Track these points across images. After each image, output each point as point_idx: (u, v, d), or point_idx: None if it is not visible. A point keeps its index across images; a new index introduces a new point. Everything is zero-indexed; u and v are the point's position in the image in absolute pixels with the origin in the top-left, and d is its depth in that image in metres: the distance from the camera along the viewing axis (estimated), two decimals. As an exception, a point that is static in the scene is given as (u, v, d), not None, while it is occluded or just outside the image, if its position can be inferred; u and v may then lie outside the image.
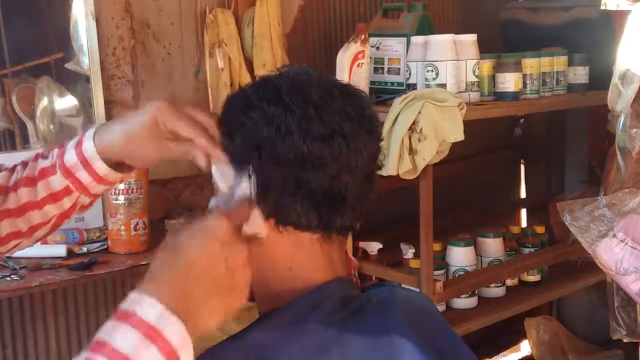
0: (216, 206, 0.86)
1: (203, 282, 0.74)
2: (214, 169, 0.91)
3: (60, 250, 2.02)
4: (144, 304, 0.71)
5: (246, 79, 2.38)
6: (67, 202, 1.06)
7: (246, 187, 0.85)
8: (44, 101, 2.29)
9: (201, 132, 0.91)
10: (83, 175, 1.02)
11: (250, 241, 0.81)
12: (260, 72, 2.39)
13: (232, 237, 0.77)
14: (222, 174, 0.89)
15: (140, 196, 2.05)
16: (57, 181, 1.04)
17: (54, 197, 1.05)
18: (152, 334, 0.69)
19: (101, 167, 1.01)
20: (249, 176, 0.85)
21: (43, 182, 1.04)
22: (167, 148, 0.95)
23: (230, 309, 0.78)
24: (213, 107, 2.36)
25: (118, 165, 1.03)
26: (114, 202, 2.03)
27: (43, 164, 1.06)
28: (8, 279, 1.86)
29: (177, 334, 0.71)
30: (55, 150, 1.06)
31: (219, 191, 0.90)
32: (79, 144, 1.02)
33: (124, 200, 2.03)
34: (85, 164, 1.01)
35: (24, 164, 1.08)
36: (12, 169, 1.08)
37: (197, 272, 0.74)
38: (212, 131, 0.92)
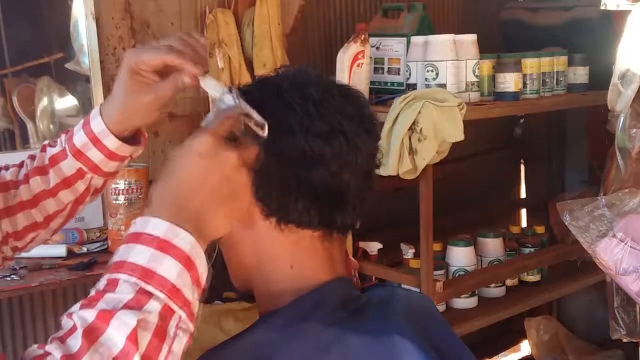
0: (206, 124, 0.87)
1: (200, 195, 0.78)
2: (202, 84, 0.92)
3: (60, 250, 2.03)
4: (149, 224, 0.75)
5: (246, 79, 2.38)
6: (80, 186, 1.07)
7: (229, 98, 0.86)
8: (44, 101, 2.29)
9: (174, 54, 0.93)
10: (94, 154, 1.03)
11: (242, 147, 0.82)
12: (260, 72, 2.39)
13: (216, 148, 0.79)
14: (213, 86, 0.91)
15: (140, 196, 2.05)
16: (69, 165, 1.05)
17: (66, 183, 1.06)
18: (163, 246, 0.73)
19: (111, 142, 1.02)
20: (230, 90, 0.87)
21: (55, 169, 1.05)
22: (157, 90, 0.97)
23: (236, 212, 0.82)
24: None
25: (127, 138, 1.04)
26: (114, 202, 2.04)
27: (52, 151, 1.07)
28: (8, 279, 1.86)
29: (186, 242, 0.74)
30: (63, 136, 1.07)
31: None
32: (86, 124, 1.03)
33: (124, 200, 2.03)
34: (95, 141, 1.02)
35: (32, 157, 1.09)
36: (21, 164, 1.09)
37: (192, 188, 0.78)
38: (182, 44, 0.94)
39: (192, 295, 0.74)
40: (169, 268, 0.72)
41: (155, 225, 0.74)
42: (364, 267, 2.39)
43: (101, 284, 0.73)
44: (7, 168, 1.09)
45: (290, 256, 0.90)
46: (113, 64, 2.28)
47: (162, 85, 0.96)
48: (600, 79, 2.19)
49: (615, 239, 1.72)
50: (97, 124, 1.02)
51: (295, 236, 0.89)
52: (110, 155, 1.04)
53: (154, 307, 0.71)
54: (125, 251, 0.74)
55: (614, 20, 2.30)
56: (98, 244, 2.12)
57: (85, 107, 2.30)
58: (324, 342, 0.83)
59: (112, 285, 0.72)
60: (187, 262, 0.74)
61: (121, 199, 2.03)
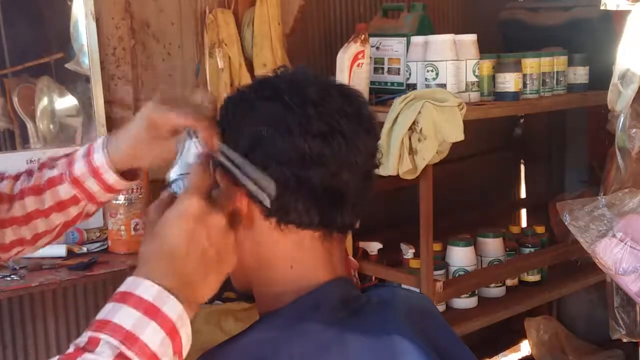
0: (179, 179, 0.89)
1: (190, 260, 0.78)
2: (221, 156, 0.89)
3: (60, 250, 2.03)
4: (141, 286, 0.75)
5: (246, 79, 2.38)
6: (73, 211, 1.08)
7: (192, 145, 0.87)
8: (44, 101, 2.29)
9: (199, 118, 0.92)
10: (92, 185, 1.04)
11: (223, 203, 0.83)
12: (260, 72, 2.39)
13: (205, 210, 0.80)
14: (235, 158, 0.88)
15: (140, 196, 2.05)
16: (65, 190, 1.06)
17: (61, 206, 1.07)
18: (151, 311, 0.73)
19: (111, 177, 1.03)
20: (190, 136, 0.88)
21: (51, 191, 1.06)
22: (172, 147, 0.96)
23: (222, 276, 0.83)
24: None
25: (126, 174, 1.05)
26: (114, 202, 2.04)
27: (50, 173, 1.07)
28: (8, 279, 1.86)
29: (174, 310, 0.74)
30: (64, 160, 1.07)
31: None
32: (88, 154, 1.04)
33: (124, 200, 2.03)
34: (95, 174, 1.03)
35: (29, 173, 1.09)
36: (16, 177, 1.09)
37: (182, 253, 0.78)
38: (206, 112, 0.94)
39: None
40: (152, 335, 0.72)
41: (146, 288, 0.74)
42: (364, 267, 2.39)
43: (82, 340, 0.72)
44: (1, 178, 1.09)
45: (290, 256, 0.90)
46: (113, 64, 2.28)
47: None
48: (600, 79, 2.20)
49: (615, 239, 1.72)
50: (99, 157, 1.03)
51: (295, 236, 0.89)
52: (108, 188, 1.05)
53: None
54: (112, 310, 0.73)
55: (614, 20, 2.30)
56: (98, 244, 2.12)
57: (85, 107, 2.30)
58: (324, 342, 0.83)
59: (93, 344, 0.71)
60: (172, 331, 0.74)
61: (121, 199, 2.03)
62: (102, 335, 0.71)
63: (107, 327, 0.72)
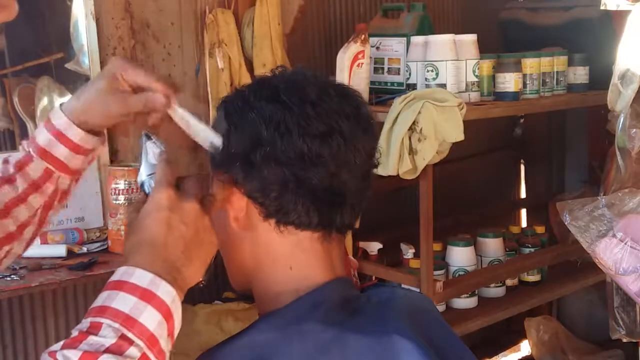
0: (147, 179, 0.93)
1: (171, 246, 0.82)
2: (171, 112, 0.96)
3: (60, 250, 2.02)
4: (134, 274, 0.78)
5: (246, 79, 2.38)
6: (49, 187, 1.07)
7: (151, 145, 0.93)
8: (44, 101, 2.29)
9: (160, 80, 0.97)
10: (60, 150, 1.04)
11: (190, 190, 0.87)
12: (260, 72, 2.39)
13: (175, 198, 0.84)
14: (181, 115, 0.95)
15: (140, 196, 2.05)
16: (35, 167, 1.05)
17: (35, 186, 1.06)
18: (147, 296, 0.77)
19: (75, 134, 1.03)
20: (148, 138, 0.94)
21: (21, 174, 1.05)
22: (127, 99, 0.99)
23: (206, 257, 0.86)
24: (213, 107, 2.36)
25: (91, 132, 1.05)
26: (114, 202, 2.04)
27: (16, 157, 1.07)
28: (8, 279, 1.86)
29: (168, 294, 0.78)
30: (25, 142, 1.07)
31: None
32: (47, 122, 1.05)
33: (124, 200, 2.03)
34: (59, 135, 1.03)
35: None
36: None
37: (161, 240, 0.82)
38: (170, 82, 0.98)
39: (166, 346, 0.78)
40: (149, 317, 0.76)
41: (139, 276, 0.78)
42: (364, 267, 2.39)
43: (83, 325, 0.75)
44: None
45: (290, 257, 0.90)
46: (113, 64, 2.28)
47: (134, 98, 0.99)
48: (600, 79, 2.20)
49: (615, 239, 1.72)
50: (58, 118, 1.04)
51: (295, 237, 0.89)
52: (75, 148, 1.04)
53: (134, 353, 0.74)
54: (108, 297, 0.77)
55: (614, 20, 2.30)
56: (98, 244, 2.12)
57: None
58: (324, 342, 0.83)
59: (95, 328, 0.74)
60: (167, 314, 0.78)
61: (121, 199, 2.03)
62: (103, 320, 0.74)
63: (107, 312, 0.75)
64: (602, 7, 1.91)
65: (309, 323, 0.85)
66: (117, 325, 0.74)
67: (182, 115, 0.95)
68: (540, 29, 2.83)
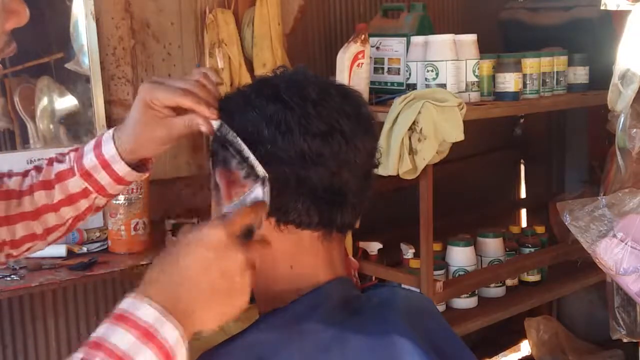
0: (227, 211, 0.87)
1: (197, 288, 0.76)
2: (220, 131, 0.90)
3: (60, 250, 2.02)
4: (140, 307, 0.73)
5: (246, 79, 2.38)
6: (83, 204, 1.07)
7: (259, 191, 0.85)
8: (44, 101, 2.29)
9: (189, 97, 0.93)
10: (102, 177, 1.04)
11: (254, 246, 0.81)
12: (260, 72, 2.39)
13: (227, 245, 0.78)
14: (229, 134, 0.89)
15: (140, 196, 2.05)
16: (75, 183, 1.06)
17: (70, 199, 1.07)
18: (148, 335, 0.72)
19: (121, 168, 1.03)
20: (263, 183, 0.85)
21: (60, 185, 1.06)
22: (171, 125, 0.97)
23: (231, 312, 0.79)
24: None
25: (136, 165, 1.05)
26: (114, 202, 2.03)
27: (59, 167, 1.07)
28: (8, 279, 1.86)
29: (172, 335, 0.73)
30: (72, 154, 1.07)
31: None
32: (97, 147, 1.04)
33: (124, 200, 2.03)
34: (106, 165, 1.03)
35: (38, 169, 1.09)
36: (25, 174, 1.09)
37: (191, 279, 0.76)
38: (198, 87, 0.94)
39: None
40: None
41: (145, 311, 0.73)
42: (364, 267, 2.39)
43: (75, 358, 0.71)
44: (9, 175, 1.09)
45: (290, 256, 0.90)
46: (113, 64, 2.28)
47: (175, 122, 0.96)
48: (600, 79, 2.20)
49: (615, 239, 1.72)
50: (109, 149, 1.03)
51: (295, 236, 0.89)
52: (119, 180, 1.05)
53: None
54: (107, 330, 0.72)
55: (614, 20, 2.30)
56: (98, 244, 2.12)
57: (85, 107, 2.30)
58: (324, 342, 0.83)
59: None
60: (168, 357, 0.72)
61: (121, 199, 2.03)
62: (97, 355, 0.70)
63: (102, 348, 0.71)
64: (602, 7, 1.91)
65: (309, 323, 0.85)
66: None
67: (225, 134, 0.89)
68: (540, 29, 2.83)
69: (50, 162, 1.09)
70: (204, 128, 0.92)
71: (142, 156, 1.05)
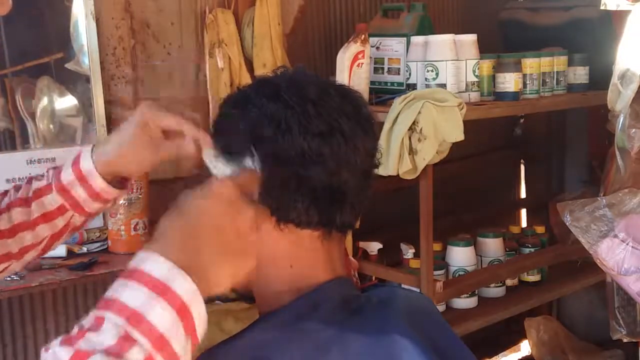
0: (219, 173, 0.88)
1: (210, 241, 0.75)
2: (205, 156, 0.92)
3: (60, 250, 2.02)
4: (151, 261, 0.71)
5: (246, 79, 2.38)
6: (60, 222, 1.06)
7: (249, 161, 0.86)
8: (44, 101, 2.29)
9: (190, 123, 0.95)
10: (79, 192, 1.03)
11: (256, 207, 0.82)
12: (260, 72, 2.39)
13: (235, 198, 0.78)
14: (214, 166, 0.90)
15: (140, 196, 2.05)
16: (52, 200, 1.05)
17: (47, 217, 1.05)
18: (160, 289, 0.69)
19: (98, 183, 1.02)
20: (252, 153, 0.86)
21: (37, 202, 1.05)
22: (160, 147, 0.98)
23: (239, 271, 0.79)
24: (213, 107, 2.36)
25: (114, 182, 1.04)
26: (114, 202, 2.03)
27: (37, 184, 1.06)
28: (8, 279, 1.86)
29: (186, 288, 0.70)
30: (51, 171, 1.07)
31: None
32: (75, 162, 1.04)
33: (124, 200, 2.03)
34: (82, 180, 1.02)
35: (17, 187, 1.08)
36: (4, 193, 1.08)
37: (204, 231, 0.75)
38: (199, 123, 0.95)
39: (182, 348, 0.69)
40: (160, 315, 0.68)
41: (156, 264, 0.71)
42: (364, 267, 2.39)
43: (87, 320, 0.69)
44: None
45: (290, 256, 0.90)
46: (113, 64, 2.28)
47: (166, 145, 0.97)
48: (600, 79, 2.19)
49: (616, 239, 1.72)
50: (87, 163, 1.02)
51: (295, 236, 0.89)
52: (95, 195, 1.04)
53: (135, 355, 0.66)
54: (119, 287, 0.71)
55: (614, 20, 2.29)
56: (98, 244, 2.12)
57: (85, 107, 2.30)
58: (324, 341, 0.83)
59: (97, 324, 0.67)
60: (182, 310, 0.69)
61: (121, 199, 2.03)
62: (106, 314, 0.68)
63: (113, 306, 0.68)
64: (602, 7, 1.91)
65: (309, 322, 0.85)
66: (120, 321, 0.67)
67: (213, 163, 0.89)
68: (540, 29, 2.83)
69: (29, 180, 1.08)
70: (192, 149, 0.93)
71: (118, 172, 1.03)
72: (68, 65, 2.28)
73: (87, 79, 2.25)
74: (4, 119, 2.24)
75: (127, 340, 0.66)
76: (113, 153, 1.01)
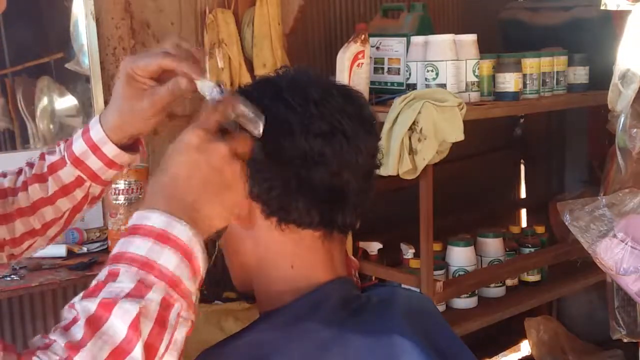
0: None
1: (192, 187, 0.79)
2: (200, 87, 0.91)
3: (60, 250, 2.03)
4: (148, 217, 0.76)
5: (246, 79, 2.38)
6: (78, 194, 1.07)
7: (216, 92, 0.87)
8: (44, 101, 2.29)
9: (169, 58, 0.93)
10: (93, 162, 1.04)
11: (235, 137, 0.84)
12: (260, 72, 2.39)
13: (206, 141, 0.81)
14: (211, 87, 0.89)
15: (140, 196, 2.05)
16: (68, 173, 1.05)
17: (65, 190, 1.06)
18: (162, 238, 0.75)
19: (110, 149, 1.03)
20: (218, 84, 0.88)
21: (53, 177, 1.06)
22: (154, 95, 0.96)
23: (230, 202, 0.83)
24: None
25: (126, 147, 1.05)
26: (114, 202, 2.04)
27: (51, 159, 1.07)
28: (8, 279, 1.86)
29: (185, 233, 0.76)
30: (62, 144, 1.07)
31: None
32: (85, 132, 1.04)
33: (124, 200, 2.03)
34: (95, 149, 1.03)
35: (30, 165, 1.09)
36: (19, 172, 1.09)
37: (184, 181, 0.79)
38: (177, 50, 0.94)
39: (192, 285, 0.76)
40: (168, 259, 0.74)
41: (153, 218, 0.76)
42: (364, 267, 2.39)
43: (102, 274, 0.74)
44: (4, 175, 1.09)
45: (291, 256, 0.90)
46: (113, 64, 2.28)
47: (158, 90, 0.96)
48: (600, 79, 2.19)
49: (615, 239, 1.72)
50: (96, 131, 1.03)
51: (296, 236, 0.89)
52: (110, 163, 1.05)
53: (155, 296, 0.72)
54: (124, 244, 0.76)
55: (614, 20, 2.29)
56: (98, 244, 2.12)
57: (85, 107, 2.30)
58: (324, 341, 0.83)
59: (113, 276, 0.73)
60: (186, 253, 0.75)
61: (121, 199, 2.03)
62: (120, 266, 0.73)
63: (124, 258, 0.74)
64: (602, 7, 1.91)
65: (309, 322, 0.85)
66: (134, 269, 0.73)
67: (207, 87, 0.89)
68: (540, 29, 2.83)
69: (42, 156, 1.09)
70: (184, 83, 0.92)
71: (129, 133, 1.04)
72: (68, 65, 2.28)
73: (87, 79, 2.26)
74: (4, 119, 2.25)
75: (144, 284, 0.72)
76: (115, 117, 1.02)
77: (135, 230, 0.76)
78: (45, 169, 1.07)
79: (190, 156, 0.80)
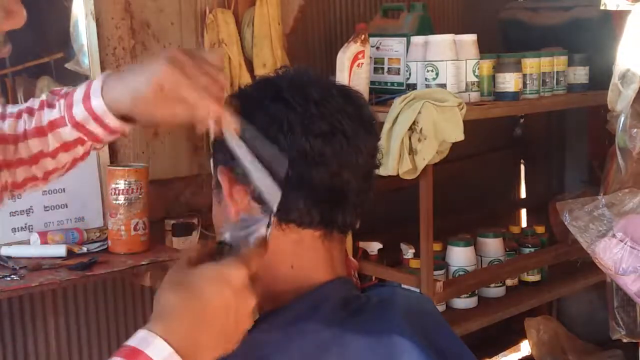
0: (230, 239, 0.84)
1: (212, 329, 0.76)
2: (227, 136, 0.86)
3: (60, 250, 2.02)
4: (153, 345, 0.72)
5: (246, 79, 2.38)
6: (80, 150, 1.06)
7: (263, 227, 0.83)
8: (44, 101, 2.29)
9: (208, 97, 0.88)
10: (94, 128, 1.02)
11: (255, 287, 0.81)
12: (260, 72, 2.39)
13: (246, 287, 0.77)
14: (237, 145, 0.85)
15: (140, 196, 2.05)
16: (69, 133, 1.04)
17: (66, 147, 1.05)
18: None
19: (112, 121, 1.00)
20: (270, 216, 0.84)
21: (54, 134, 1.04)
22: (174, 113, 0.91)
23: (226, 351, 0.79)
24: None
25: (128, 118, 1.01)
26: (114, 202, 2.03)
27: (51, 115, 1.05)
28: (8, 279, 1.86)
29: None
30: (62, 102, 1.04)
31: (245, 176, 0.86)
32: (86, 99, 1.00)
33: (124, 200, 2.03)
34: (97, 119, 1.00)
35: (29, 111, 1.06)
36: (18, 115, 1.07)
37: (208, 319, 0.75)
38: (219, 91, 0.89)
39: None
40: None
41: (158, 349, 0.72)
42: (364, 267, 2.39)
43: None
44: (3, 117, 1.07)
45: (291, 256, 0.90)
46: (113, 64, 2.28)
47: (181, 110, 0.90)
48: (600, 79, 2.20)
49: (614, 239, 1.72)
50: (98, 104, 0.99)
51: (296, 236, 0.89)
52: (111, 131, 1.03)
53: None
54: None
55: (614, 20, 2.30)
56: (98, 244, 2.12)
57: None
58: (324, 341, 0.84)
59: None
60: None
61: (121, 199, 2.03)
62: None
63: None
64: (602, 7, 1.92)
65: (309, 322, 0.85)
66: None
67: (233, 144, 0.85)
68: (540, 29, 2.84)
69: (42, 105, 1.06)
70: (212, 125, 0.87)
71: (131, 116, 1.00)
72: (68, 65, 2.28)
73: (87, 79, 2.25)
74: (4, 119, 2.24)
75: None
76: (124, 103, 0.97)
77: (134, 355, 0.72)
78: (46, 123, 1.04)
79: (227, 297, 0.76)
